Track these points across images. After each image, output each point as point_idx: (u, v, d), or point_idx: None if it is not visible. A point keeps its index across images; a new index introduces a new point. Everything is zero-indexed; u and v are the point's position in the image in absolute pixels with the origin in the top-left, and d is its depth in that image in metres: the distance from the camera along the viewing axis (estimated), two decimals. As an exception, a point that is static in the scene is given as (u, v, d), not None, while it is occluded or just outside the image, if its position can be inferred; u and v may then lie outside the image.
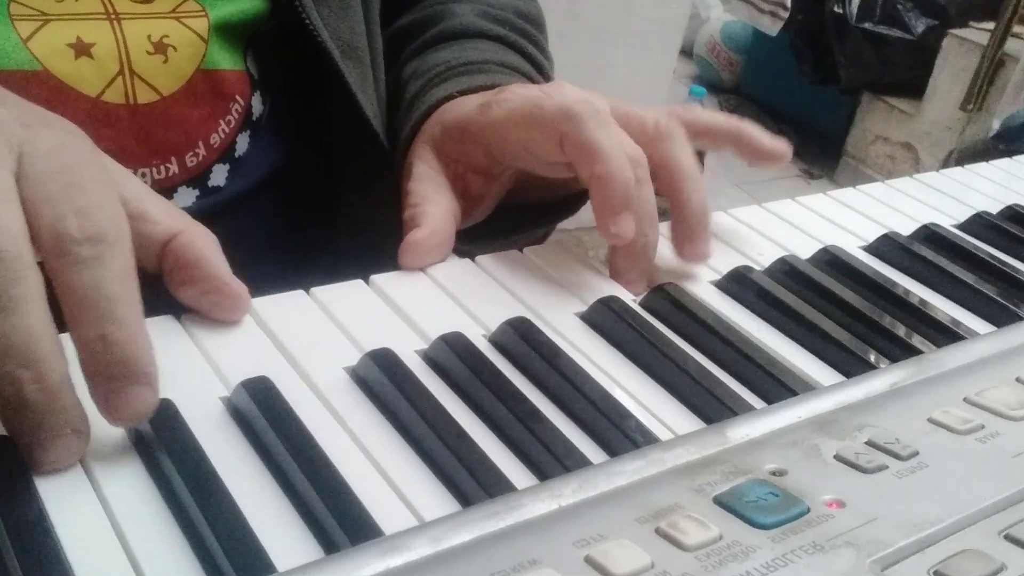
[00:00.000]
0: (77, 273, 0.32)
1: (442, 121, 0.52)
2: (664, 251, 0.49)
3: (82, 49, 0.46)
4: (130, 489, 0.32)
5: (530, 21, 0.65)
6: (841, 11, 2.57)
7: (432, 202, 0.49)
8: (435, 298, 0.44)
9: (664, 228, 0.49)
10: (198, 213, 0.39)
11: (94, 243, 0.32)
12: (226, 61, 0.51)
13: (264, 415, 0.34)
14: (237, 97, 0.52)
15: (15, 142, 0.33)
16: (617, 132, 0.46)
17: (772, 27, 2.65)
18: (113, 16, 0.47)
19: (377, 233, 0.55)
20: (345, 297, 0.43)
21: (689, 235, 0.48)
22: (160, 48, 0.48)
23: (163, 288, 0.39)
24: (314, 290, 0.43)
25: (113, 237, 0.32)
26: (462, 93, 0.53)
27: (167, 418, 0.34)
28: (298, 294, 0.42)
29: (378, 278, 0.44)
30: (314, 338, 0.40)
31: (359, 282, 0.44)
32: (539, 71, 0.61)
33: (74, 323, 0.32)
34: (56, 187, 0.32)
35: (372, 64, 0.59)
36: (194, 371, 0.37)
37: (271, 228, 0.58)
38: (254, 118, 0.53)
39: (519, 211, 0.56)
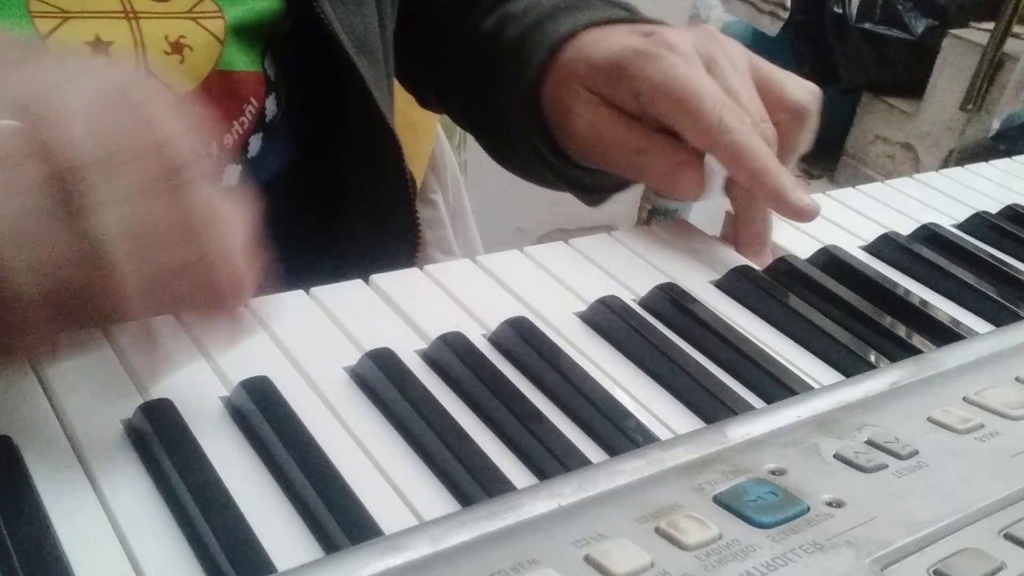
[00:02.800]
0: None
1: (588, 58, 0.53)
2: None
3: (100, 47, 0.46)
4: (130, 489, 0.32)
5: None
6: (841, 11, 2.57)
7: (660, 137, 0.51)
8: (435, 298, 0.44)
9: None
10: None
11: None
12: (242, 62, 0.51)
13: (264, 415, 0.34)
14: (251, 99, 0.52)
15: None
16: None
17: (772, 27, 2.65)
18: (131, 15, 0.48)
19: (383, 231, 0.55)
20: (345, 297, 0.43)
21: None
22: (177, 48, 0.48)
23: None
24: (314, 290, 0.43)
25: None
26: (595, 24, 0.54)
27: (167, 418, 0.34)
28: (298, 294, 0.42)
29: (378, 278, 0.44)
30: (314, 338, 0.40)
31: (359, 282, 0.44)
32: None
33: None
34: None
35: (384, 60, 0.59)
36: (194, 371, 0.37)
37: (276, 227, 0.57)
38: (268, 120, 0.54)
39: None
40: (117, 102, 0.32)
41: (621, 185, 0.61)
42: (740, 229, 0.52)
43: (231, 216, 0.33)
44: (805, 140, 0.53)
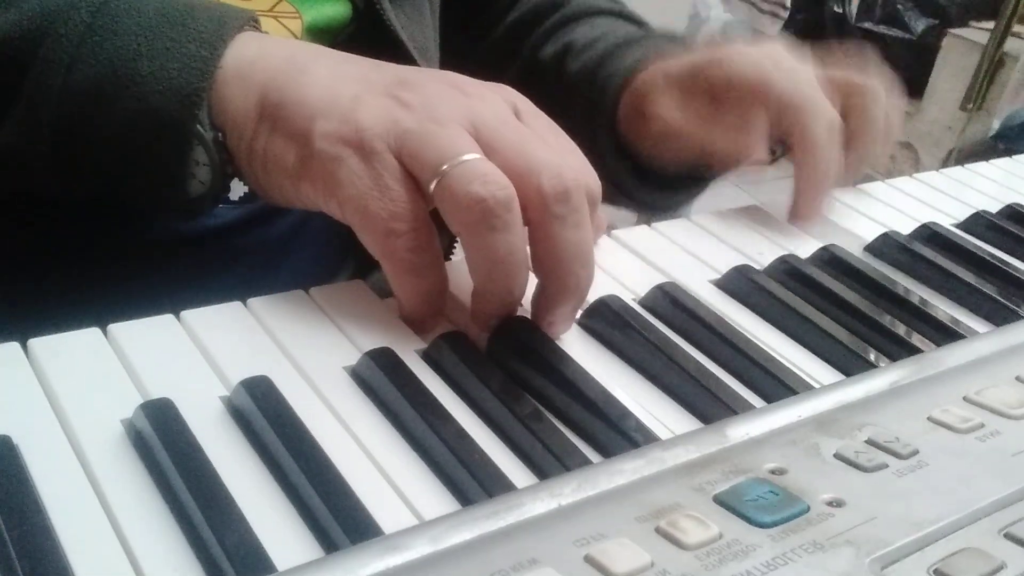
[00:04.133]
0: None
1: (665, 71, 0.57)
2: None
3: None
4: (130, 489, 0.32)
5: None
6: (841, 11, 2.57)
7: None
8: (435, 298, 0.44)
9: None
10: (256, 213, 0.41)
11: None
12: None
13: (264, 415, 0.34)
14: None
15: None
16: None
17: (772, 27, 2.64)
18: None
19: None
20: (345, 297, 0.43)
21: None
22: None
23: (162, 286, 0.39)
24: (314, 290, 0.43)
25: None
26: (659, 56, 0.59)
27: (167, 418, 0.34)
28: (298, 294, 0.42)
29: (378, 278, 0.44)
30: (314, 338, 0.40)
31: (359, 282, 0.44)
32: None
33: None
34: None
35: (438, 67, 0.61)
36: (194, 371, 0.37)
37: (321, 230, 0.60)
38: None
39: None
40: (532, 127, 0.41)
41: (686, 199, 0.66)
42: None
43: None
44: (882, 116, 0.57)
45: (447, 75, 0.43)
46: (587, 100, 0.60)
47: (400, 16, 0.57)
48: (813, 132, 0.52)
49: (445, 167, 0.38)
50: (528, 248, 0.40)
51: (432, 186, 0.38)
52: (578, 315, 0.44)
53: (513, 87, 0.58)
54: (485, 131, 0.39)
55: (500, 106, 0.41)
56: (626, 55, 0.60)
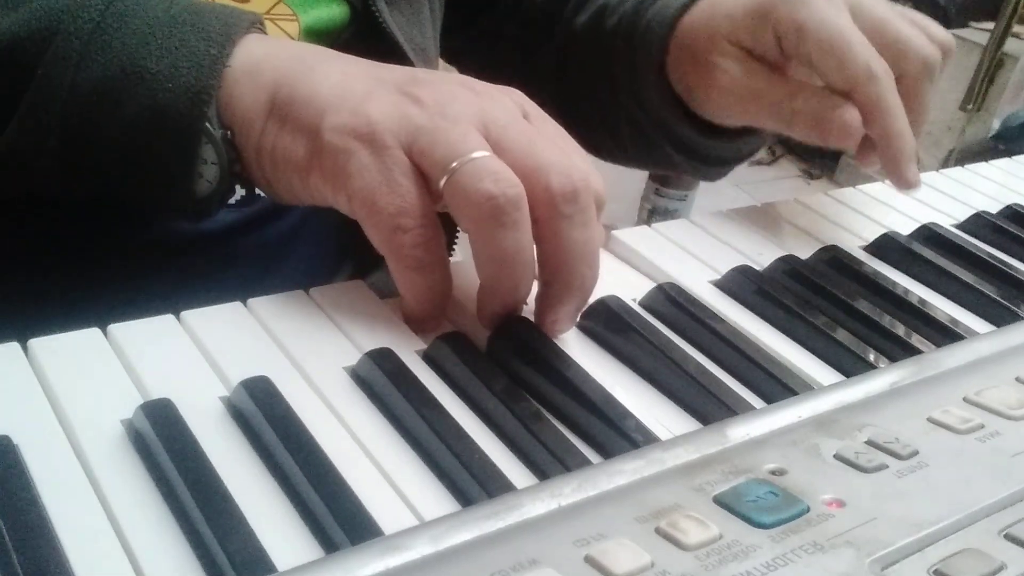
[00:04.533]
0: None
1: (728, 14, 0.55)
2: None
3: None
4: (130, 489, 0.32)
5: None
6: (841, 11, 2.57)
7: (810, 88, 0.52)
8: (435, 298, 0.44)
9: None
10: (254, 215, 0.41)
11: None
12: None
13: (264, 415, 0.34)
14: None
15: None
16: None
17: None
18: None
19: None
20: (345, 297, 0.43)
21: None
22: None
23: (162, 286, 0.39)
24: (314, 290, 0.43)
25: None
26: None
27: (167, 418, 0.34)
28: (298, 294, 0.42)
29: (378, 278, 0.44)
30: (314, 338, 0.40)
31: (359, 282, 0.44)
32: None
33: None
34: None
35: (437, 68, 0.61)
36: (194, 371, 0.37)
37: (320, 232, 0.60)
38: None
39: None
40: (539, 127, 0.41)
41: (749, 152, 0.64)
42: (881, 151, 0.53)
43: None
44: (928, 94, 0.54)
45: (457, 76, 0.43)
46: (629, 50, 0.59)
47: (397, 18, 0.57)
48: (888, 103, 0.51)
49: (455, 164, 0.38)
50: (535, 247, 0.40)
51: (442, 183, 0.38)
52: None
53: (550, 66, 0.58)
54: (495, 130, 0.39)
55: (509, 106, 0.41)
56: (662, 4, 0.58)
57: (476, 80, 0.42)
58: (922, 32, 0.53)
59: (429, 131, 0.39)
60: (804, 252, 0.52)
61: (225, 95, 0.41)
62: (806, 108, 0.52)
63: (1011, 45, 2.34)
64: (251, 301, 0.41)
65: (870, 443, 0.33)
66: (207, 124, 0.41)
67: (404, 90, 0.40)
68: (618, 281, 0.47)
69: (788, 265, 0.50)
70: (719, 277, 0.49)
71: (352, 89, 0.40)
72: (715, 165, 0.64)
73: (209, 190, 0.43)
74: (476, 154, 0.38)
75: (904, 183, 0.53)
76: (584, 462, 0.35)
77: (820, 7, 0.51)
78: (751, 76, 0.54)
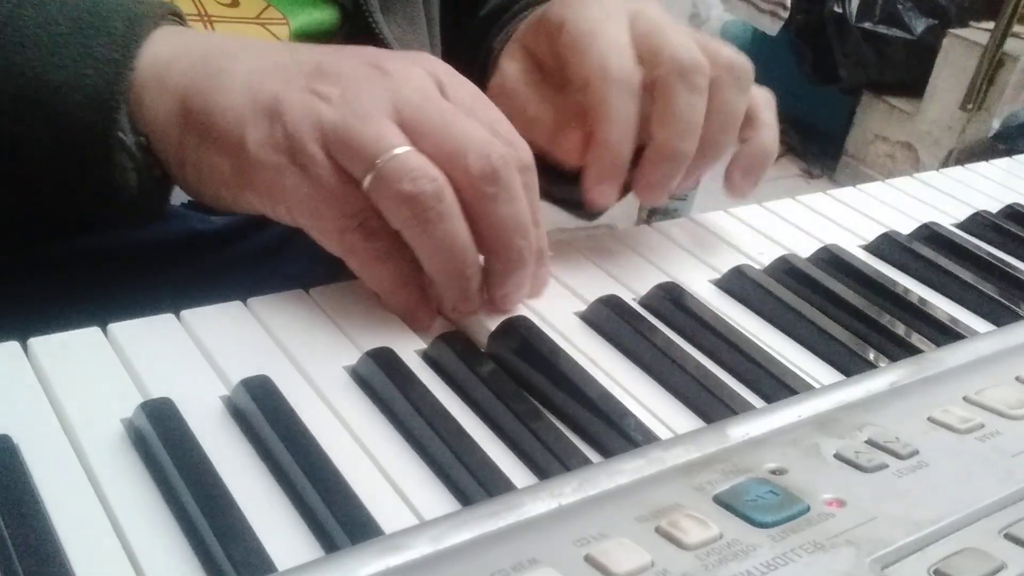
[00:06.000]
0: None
1: (527, 21, 0.53)
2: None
3: None
4: (130, 489, 0.32)
5: None
6: (841, 11, 2.57)
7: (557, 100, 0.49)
8: (435, 298, 0.44)
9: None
10: (254, 215, 0.41)
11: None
12: None
13: (264, 414, 0.34)
14: None
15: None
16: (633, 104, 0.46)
17: (772, 27, 2.65)
18: (205, 18, 0.48)
19: None
20: (345, 296, 0.43)
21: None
22: None
23: (163, 286, 0.39)
24: (314, 290, 0.43)
25: None
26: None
27: (167, 417, 0.34)
28: (298, 293, 0.42)
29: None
30: (314, 337, 0.40)
31: (359, 282, 0.44)
32: None
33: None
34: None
35: None
36: (194, 370, 0.37)
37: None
38: None
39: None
40: (457, 100, 0.40)
41: (563, 197, 0.57)
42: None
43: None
44: (742, 103, 0.48)
45: (365, 53, 0.42)
46: (481, 69, 0.57)
47: (391, 23, 0.56)
48: (608, 106, 0.46)
49: (373, 166, 0.38)
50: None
51: (365, 185, 0.38)
52: (579, 312, 0.44)
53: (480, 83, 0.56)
54: (408, 113, 0.39)
55: (422, 83, 0.40)
56: (519, 16, 0.56)
57: (387, 54, 0.41)
58: (693, 43, 0.47)
59: (343, 130, 0.38)
60: (804, 252, 0.52)
61: (135, 99, 0.40)
62: (544, 116, 0.49)
63: (1011, 45, 2.34)
64: (251, 301, 0.41)
65: (870, 443, 0.33)
66: (119, 132, 0.39)
67: (312, 87, 0.39)
68: (618, 281, 0.47)
69: (788, 265, 0.50)
70: (719, 277, 0.49)
71: (263, 92, 0.39)
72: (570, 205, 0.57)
73: (135, 196, 0.41)
74: (391, 154, 0.38)
75: (591, 200, 0.47)
76: (584, 462, 0.35)
77: (586, 7, 0.48)
78: (519, 79, 0.51)
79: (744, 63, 0.48)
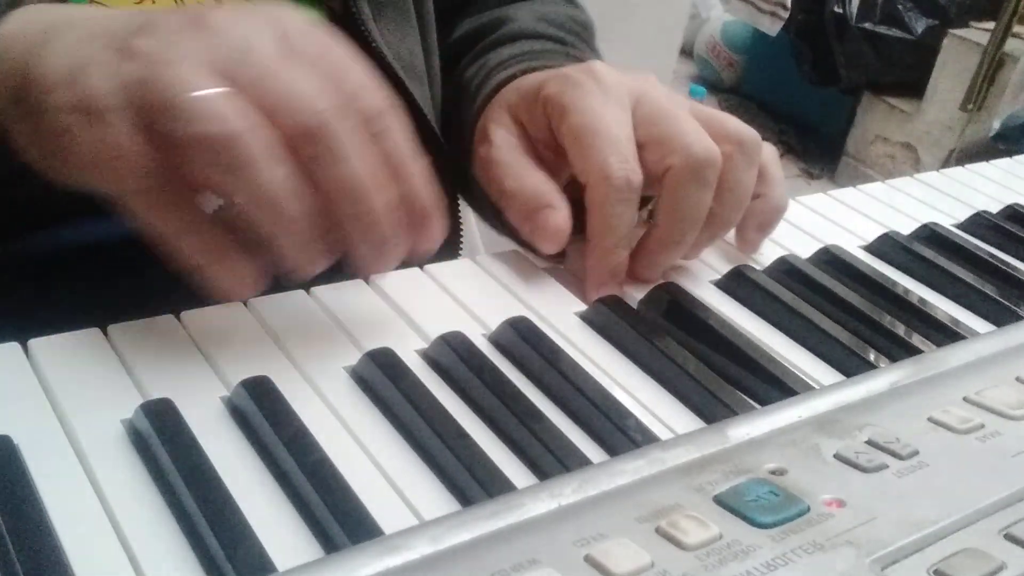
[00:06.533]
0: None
1: (518, 88, 0.51)
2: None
3: None
4: (130, 489, 0.32)
5: (584, 28, 0.65)
6: (841, 11, 2.57)
7: (537, 177, 0.47)
8: (435, 298, 0.44)
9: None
10: None
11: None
12: None
13: (264, 415, 0.34)
14: None
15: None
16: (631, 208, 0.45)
17: (772, 27, 2.65)
18: None
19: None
20: (345, 297, 0.43)
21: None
22: None
23: (163, 286, 0.39)
24: (314, 290, 0.43)
25: None
26: (532, 71, 0.52)
27: (167, 417, 0.34)
28: (298, 294, 0.42)
29: (378, 277, 0.44)
30: (314, 338, 0.40)
31: (359, 282, 0.44)
32: None
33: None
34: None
35: (430, 86, 0.59)
36: (194, 371, 0.37)
37: None
38: None
39: None
40: (301, 52, 0.37)
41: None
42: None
43: (415, 153, 0.38)
44: (752, 178, 0.47)
45: (200, 9, 0.38)
46: (461, 123, 0.56)
47: (381, 28, 0.55)
48: (605, 213, 0.45)
49: (173, 106, 0.34)
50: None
51: (175, 136, 0.34)
52: (579, 312, 0.44)
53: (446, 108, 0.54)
54: (225, 65, 0.35)
55: (250, 33, 0.37)
56: (504, 71, 0.54)
57: (223, 9, 0.38)
58: (701, 128, 0.46)
59: (143, 83, 0.35)
60: (804, 252, 0.52)
61: None
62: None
63: (1011, 45, 2.34)
64: (251, 301, 0.41)
65: (870, 443, 0.33)
66: None
67: (124, 45, 0.36)
68: (618, 281, 0.47)
69: (788, 265, 0.50)
70: (719, 277, 0.49)
71: (77, 57, 0.36)
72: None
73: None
74: (191, 95, 0.34)
75: (592, 299, 0.46)
76: (584, 462, 0.35)
77: (589, 93, 0.46)
78: (512, 149, 0.49)
79: (752, 136, 0.47)
